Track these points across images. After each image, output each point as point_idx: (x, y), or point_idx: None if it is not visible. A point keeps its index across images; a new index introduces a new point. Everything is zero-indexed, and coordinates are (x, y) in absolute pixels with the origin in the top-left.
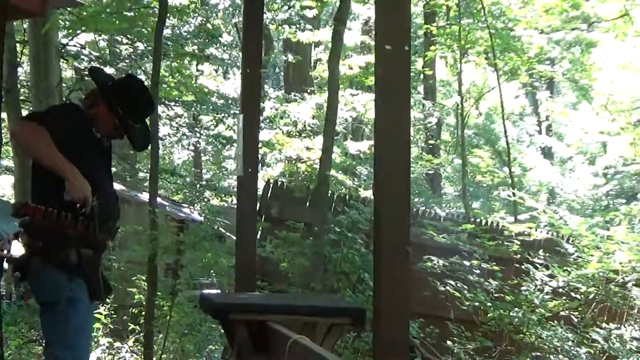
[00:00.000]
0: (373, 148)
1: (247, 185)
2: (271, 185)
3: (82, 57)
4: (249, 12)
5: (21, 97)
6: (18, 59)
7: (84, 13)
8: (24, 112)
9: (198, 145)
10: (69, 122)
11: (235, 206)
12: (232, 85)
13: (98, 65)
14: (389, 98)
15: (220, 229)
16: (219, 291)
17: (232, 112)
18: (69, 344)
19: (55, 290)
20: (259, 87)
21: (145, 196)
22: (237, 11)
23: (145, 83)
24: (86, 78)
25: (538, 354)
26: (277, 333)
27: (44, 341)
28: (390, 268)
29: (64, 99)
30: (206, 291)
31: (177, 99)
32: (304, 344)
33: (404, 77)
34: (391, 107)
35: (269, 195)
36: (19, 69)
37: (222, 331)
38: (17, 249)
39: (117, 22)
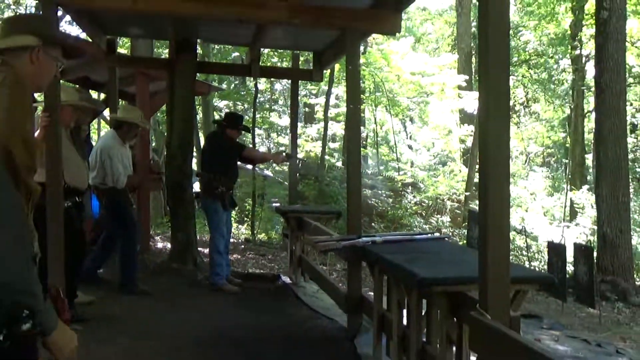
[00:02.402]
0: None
1: (293, 162)
2: (300, 161)
3: (222, 113)
4: (293, 92)
5: None
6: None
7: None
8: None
9: (268, 145)
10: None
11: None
12: (283, 121)
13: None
14: (353, 130)
15: (279, 179)
16: (278, 204)
17: (287, 132)
18: (215, 228)
19: (207, 205)
20: (296, 123)
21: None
22: (286, 89)
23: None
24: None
25: (409, 228)
26: (307, 222)
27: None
28: (355, 197)
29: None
30: (277, 204)
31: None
32: (319, 226)
33: (358, 120)
34: (355, 132)
35: (300, 164)
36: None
37: (282, 220)
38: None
39: (236, 95)
